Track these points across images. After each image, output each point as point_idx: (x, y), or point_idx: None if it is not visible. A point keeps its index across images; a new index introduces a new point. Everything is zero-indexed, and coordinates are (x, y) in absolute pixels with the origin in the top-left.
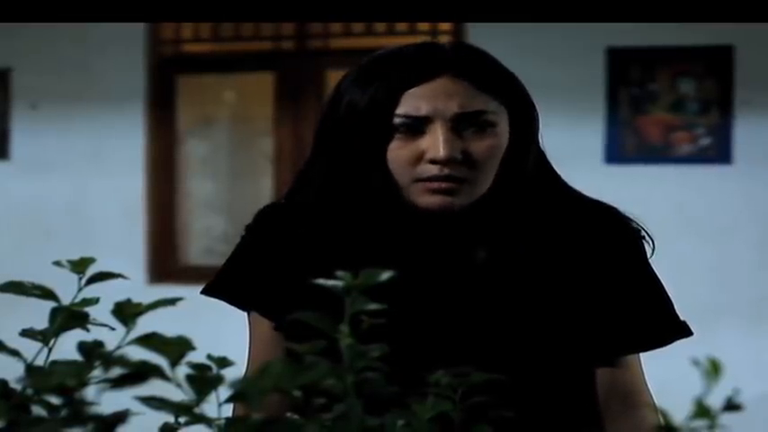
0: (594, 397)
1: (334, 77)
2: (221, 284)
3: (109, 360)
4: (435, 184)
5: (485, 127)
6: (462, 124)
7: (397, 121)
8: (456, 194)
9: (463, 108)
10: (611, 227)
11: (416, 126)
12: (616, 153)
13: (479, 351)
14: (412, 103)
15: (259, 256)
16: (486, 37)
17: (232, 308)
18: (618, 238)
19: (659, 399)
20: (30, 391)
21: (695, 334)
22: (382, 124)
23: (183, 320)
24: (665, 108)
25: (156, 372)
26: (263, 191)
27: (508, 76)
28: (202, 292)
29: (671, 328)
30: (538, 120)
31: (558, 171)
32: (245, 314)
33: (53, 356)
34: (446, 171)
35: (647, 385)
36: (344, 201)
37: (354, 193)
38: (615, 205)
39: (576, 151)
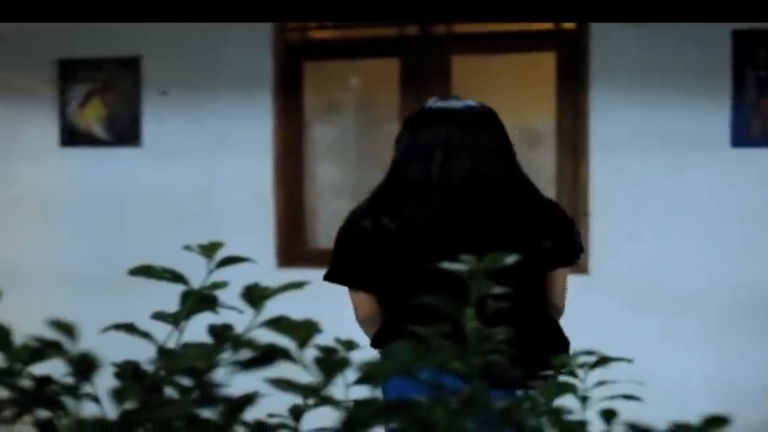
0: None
1: (458, 62)
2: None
3: (238, 343)
4: None
5: None
6: None
7: None
8: None
9: None
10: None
11: None
12: (742, 136)
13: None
14: None
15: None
16: (610, 39)
17: None
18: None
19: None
20: (161, 373)
21: None
22: None
23: (311, 303)
24: None
25: (284, 354)
26: None
27: None
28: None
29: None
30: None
31: (685, 154)
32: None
33: (183, 339)
34: None
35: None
36: None
37: None
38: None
39: (702, 135)
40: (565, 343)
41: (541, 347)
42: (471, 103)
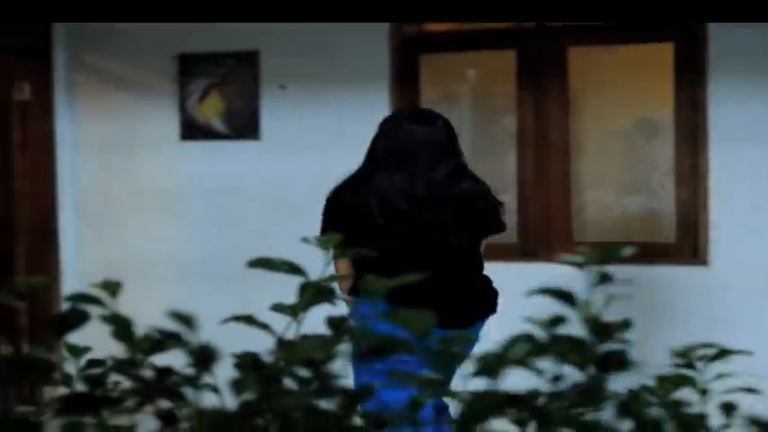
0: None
1: (575, 54)
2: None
3: (356, 334)
4: None
5: None
6: None
7: None
8: None
9: None
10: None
11: None
12: None
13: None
14: None
15: None
16: (728, 33)
17: None
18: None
19: None
20: (280, 364)
21: None
22: None
23: None
24: None
25: (402, 346)
26: (506, 167)
27: None
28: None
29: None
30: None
31: None
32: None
33: (301, 330)
34: None
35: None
36: None
37: None
38: None
39: None
40: (495, 293)
41: (483, 295)
42: (434, 127)
